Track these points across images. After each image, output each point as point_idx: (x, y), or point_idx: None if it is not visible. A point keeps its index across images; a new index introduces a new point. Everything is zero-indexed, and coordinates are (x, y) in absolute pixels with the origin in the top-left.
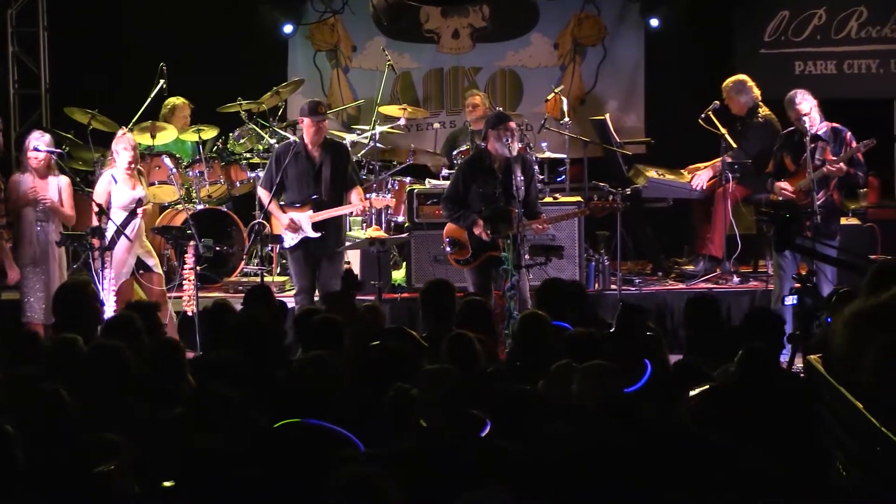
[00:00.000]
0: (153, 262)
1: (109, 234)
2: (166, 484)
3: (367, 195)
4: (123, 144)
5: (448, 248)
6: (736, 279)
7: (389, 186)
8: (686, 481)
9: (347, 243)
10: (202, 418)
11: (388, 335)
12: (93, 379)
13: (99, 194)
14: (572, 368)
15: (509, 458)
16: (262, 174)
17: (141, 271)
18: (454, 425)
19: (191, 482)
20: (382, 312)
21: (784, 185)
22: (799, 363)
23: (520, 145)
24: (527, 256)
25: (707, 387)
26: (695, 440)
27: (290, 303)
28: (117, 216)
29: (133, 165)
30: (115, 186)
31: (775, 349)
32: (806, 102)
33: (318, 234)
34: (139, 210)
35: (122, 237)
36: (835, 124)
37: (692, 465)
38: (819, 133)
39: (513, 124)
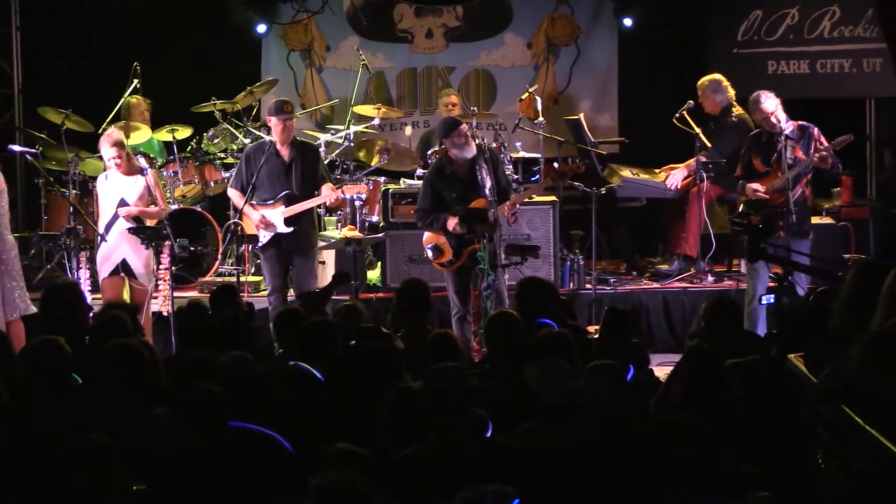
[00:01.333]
0: (141, 270)
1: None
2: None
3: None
4: (108, 142)
5: (430, 255)
6: (710, 278)
7: (367, 189)
8: (666, 478)
9: (323, 243)
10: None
11: (363, 334)
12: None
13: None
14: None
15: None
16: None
17: (124, 276)
18: (460, 425)
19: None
20: (361, 311)
21: (756, 185)
22: None
23: (494, 144)
24: (503, 256)
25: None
26: (674, 435)
27: (263, 303)
28: (107, 213)
29: (119, 162)
30: (105, 184)
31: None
32: (770, 102)
33: (291, 229)
34: (121, 210)
35: (106, 233)
36: (801, 122)
37: (672, 461)
38: (787, 132)
39: (464, 127)
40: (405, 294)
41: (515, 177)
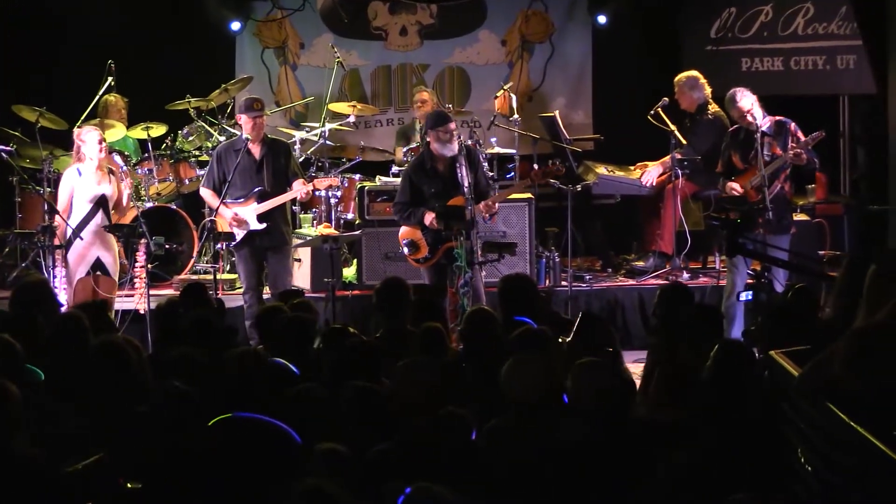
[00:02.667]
0: (113, 267)
1: (70, 231)
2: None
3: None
4: (97, 137)
5: (406, 251)
6: (686, 275)
7: (339, 183)
8: (644, 474)
9: (299, 241)
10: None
11: (330, 335)
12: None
13: (63, 190)
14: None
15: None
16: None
17: (98, 273)
18: (440, 427)
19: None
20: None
21: (733, 184)
22: None
23: (469, 142)
24: (480, 253)
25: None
26: (654, 433)
27: (238, 301)
28: (81, 210)
29: (103, 156)
30: (80, 179)
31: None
32: (746, 99)
33: (264, 226)
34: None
35: (81, 231)
36: (778, 117)
37: (649, 457)
38: (764, 129)
39: (452, 125)
40: (384, 293)
41: (491, 173)
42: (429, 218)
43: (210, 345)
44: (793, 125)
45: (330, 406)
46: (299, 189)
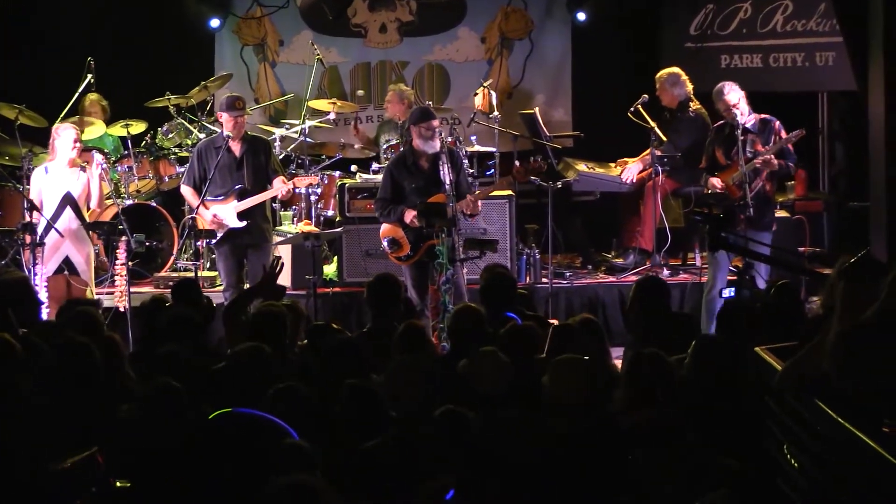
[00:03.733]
0: (83, 266)
1: (41, 228)
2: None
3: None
4: (73, 136)
5: (388, 249)
6: (666, 272)
7: (319, 181)
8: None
9: (280, 238)
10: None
11: (316, 332)
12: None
13: (32, 189)
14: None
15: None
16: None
17: (66, 273)
18: (435, 422)
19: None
20: (302, 310)
21: (715, 180)
22: None
23: (450, 139)
24: (461, 251)
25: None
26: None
27: (219, 298)
28: (49, 208)
29: (76, 154)
30: (46, 178)
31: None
32: (734, 93)
33: (244, 224)
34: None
35: (53, 230)
36: (763, 115)
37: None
38: (748, 125)
39: (435, 122)
40: (375, 290)
41: (471, 171)
42: (409, 216)
43: (196, 342)
44: (777, 124)
45: (317, 404)
46: (279, 188)
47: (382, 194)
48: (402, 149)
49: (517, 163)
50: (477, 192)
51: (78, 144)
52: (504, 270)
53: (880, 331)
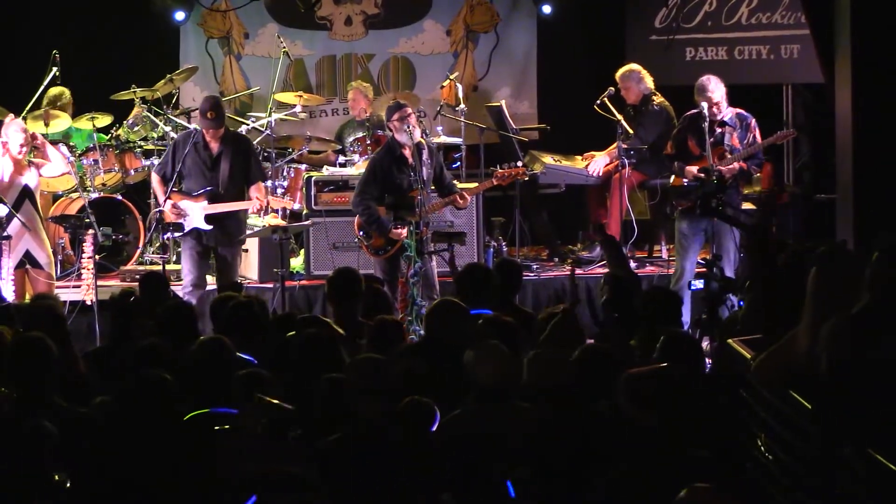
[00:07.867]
0: (45, 260)
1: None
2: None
3: (269, 195)
4: (14, 128)
5: (363, 240)
6: (633, 264)
7: (285, 174)
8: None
9: (248, 231)
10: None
11: (304, 323)
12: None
13: None
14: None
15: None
16: (157, 161)
17: (28, 267)
18: (401, 415)
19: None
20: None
21: (692, 168)
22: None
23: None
24: (431, 244)
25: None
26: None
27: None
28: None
29: (24, 150)
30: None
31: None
32: (718, 91)
33: (210, 228)
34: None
35: (9, 224)
36: (739, 110)
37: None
38: (724, 119)
39: (408, 110)
40: (336, 283)
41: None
42: (396, 233)
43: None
44: (753, 121)
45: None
46: (253, 203)
47: (365, 190)
48: (368, 141)
49: (499, 166)
50: (474, 186)
51: (24, 136)
52: (481, 265)
53: (879, 320)
